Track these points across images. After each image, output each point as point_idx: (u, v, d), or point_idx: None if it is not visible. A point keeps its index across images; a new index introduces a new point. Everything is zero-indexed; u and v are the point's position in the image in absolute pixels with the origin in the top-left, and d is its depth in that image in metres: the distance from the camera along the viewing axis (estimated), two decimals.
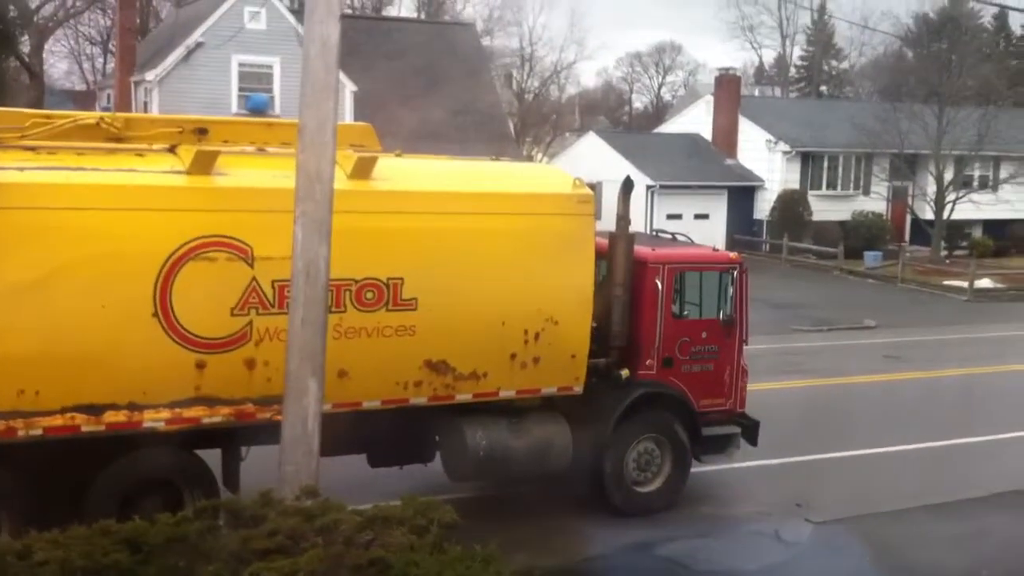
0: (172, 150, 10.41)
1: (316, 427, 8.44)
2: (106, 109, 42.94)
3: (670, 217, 36.52)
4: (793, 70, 67.18)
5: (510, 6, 56.67)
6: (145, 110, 35.91)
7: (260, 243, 9.94)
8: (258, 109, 34.88)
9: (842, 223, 41.10)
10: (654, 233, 13.63)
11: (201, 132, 10.75)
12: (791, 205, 40.96)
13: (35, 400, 9.26)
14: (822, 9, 63.05)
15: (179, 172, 9.97)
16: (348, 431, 10.82)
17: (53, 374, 9.32)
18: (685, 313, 12.49)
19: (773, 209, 41.24)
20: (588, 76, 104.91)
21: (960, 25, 45.98)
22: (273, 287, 10.03)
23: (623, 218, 12.13)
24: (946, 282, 35.50)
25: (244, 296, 9.95)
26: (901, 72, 47.70)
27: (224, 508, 7.36)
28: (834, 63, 67.50)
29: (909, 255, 39.14)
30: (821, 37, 66.06)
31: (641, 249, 12.26)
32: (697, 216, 39.20)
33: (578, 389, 11.63)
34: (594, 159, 39.46)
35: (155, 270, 9.67)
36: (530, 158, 45.66)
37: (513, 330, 11.19)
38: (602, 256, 11.87)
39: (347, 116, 33.62)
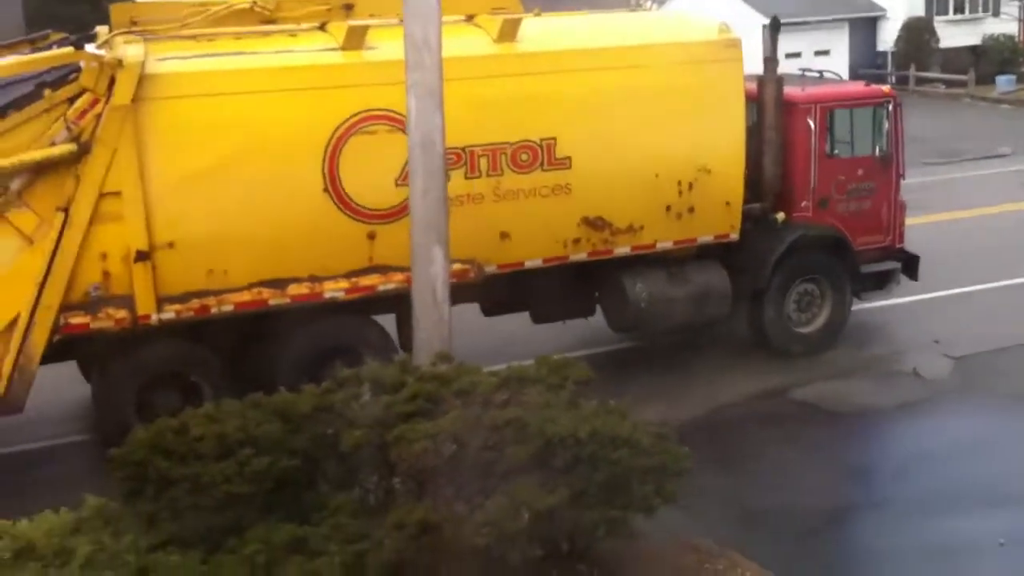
0: (323, 28, 10.59)
1: (446, 295, 8.54)
2: None
3: (788, 56, 35.19)
4: None
5: None
6: None
7: None
8: None
9: (972, 48, 39.20)
10: (801, 72, 13.31)
11: (348, 8, 10.87)
12: (917, 33, 39.16)
13: (224, 278, 9.78)
14: None
15: (333, 49, 10.16)
16: (512, 290, 11.24)
17: (237, 253, 9.80)
18: (839, 152, 12.30)
19: (898, 39, 39.50)
20: None
21: None
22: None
23: (771, 59, 11.94)
24: None
25: (406, 167, 10.11)
26: None
27: (366, 376, 7.52)
28: None
29: None
30: None
31: (791, 90, 12.07)
32: (817, 53, 37.77)
33: (734, 236, 11.71)
34: (708, 1, 38.28)
35: (321, 147, 9.98)
36: (638, 6, 44.56)
37: (667, 182, 11.28)
38: (752, 100, 11.74)
39: None
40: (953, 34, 39.90)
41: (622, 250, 11.29)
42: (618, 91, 11.00)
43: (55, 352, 9.58)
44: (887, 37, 40.24)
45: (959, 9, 40.76)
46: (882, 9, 40.58)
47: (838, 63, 37.78)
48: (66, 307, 9.30)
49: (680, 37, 11.75)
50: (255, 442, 6.92)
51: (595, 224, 11.07)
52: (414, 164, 8.53)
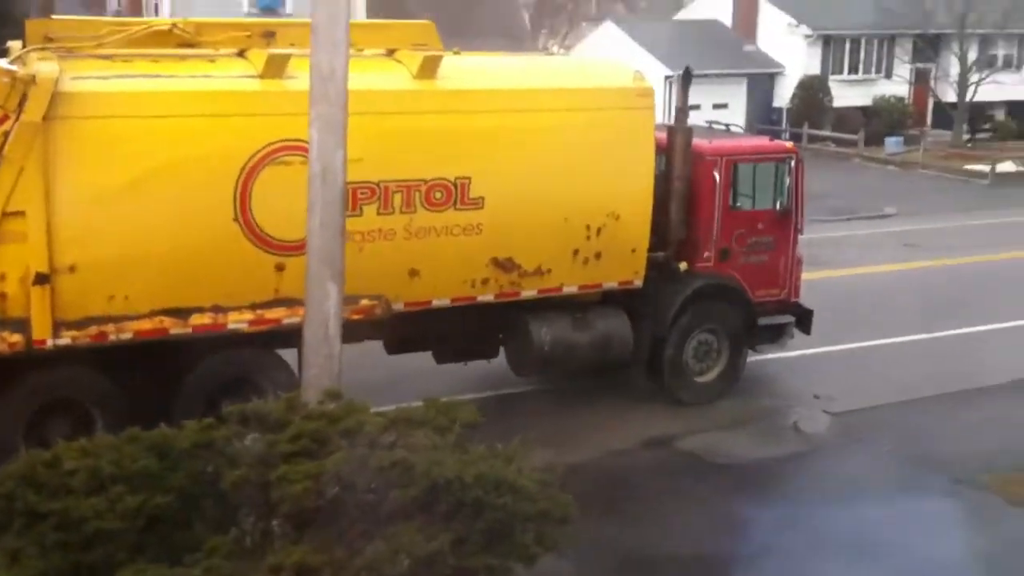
0: (242, 54, 10.50)
1: (337, 331, 8.50)
2: (117, 13, 42.43)
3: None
4: None
5: None
6: (156, 13, 35.55)
7: None
8: (269, 8, 34.56)
9: (863, 108, 40.75)
10: (708, 124, 13.69)
11: (269, 35, 10.83)
12: (812, 91, 40.57)
13: (125, 304, 9.59)
14: None
15: (252, 76, 10.10)
16: (417, 328, 11.23)
17: (140, 279, 9.62)
18: (741, 204, 12.66)
19: (793, 96, 40.86)
20: None
21: None
22: (346, 188, 10.22)
23: (682, 110, 12.25)
24: (968, 166, 35.30)
25: None
26: None
27: (249, 413, 7.39)
28: None
29: (931, 140, 38.94)
30: None
31: (699, 141, 12.40)
32: (716, 106, 38.78)
33: (638, 283, 11.93)
34: (611, 49, 38.91)
35: (234, 175, 9.89)
36: (546, 50, 45.17)
37: (576, 226, 11.43)
38: (661, 150, 11.99)
39: (359, 13, 33.17)
40: (846, 94, 41.44)
41: (529, 293, 11.39)
42: (533, 133, 11.12)
43: None
44: (784, 93, 41.60)
45: (853, 69, 42.36)
46: (780, 66, 41.97)
47: (735, 117, 38.83)
48: None
49: (595, 83, 11.93)
50: (129, 478, 6.73)
51: (504, 265, 11.15)
52: (313, 196, 8.48)
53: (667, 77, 37.58)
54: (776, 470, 11.29)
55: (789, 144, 13.52)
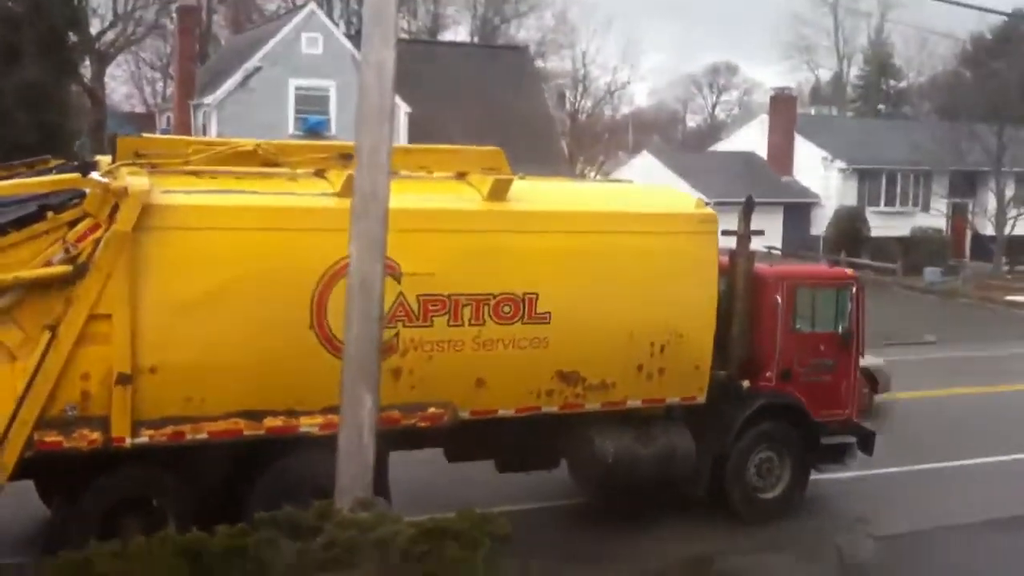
0: (320, 174, 10.93)
1: (371, 440, 8.59)
2: (165, 132, 43.78)
3: (725, 233, 36.41)
4: (850, 89, 67.25)
5: (563, 31, 57.01)
6: (204, 133, 36.66)
7: (406, 260, 10.37)
8: (315, 130, 35.62)
9: (901, 239, 41.12)
10: (768, 250, 13.98)
11: (346, 157, 11.18)
12: (848, 221, 41.06)
13: (201, 406, 9.80)
14: (880, 30, 63.29)
15: (330, 195, 10.46)
16: (480, 437, 11.37)
17: (217, 382, 9.84)
18: (802, 327, 12.81)
19: (829, 225, 41.36)
20: (641, 96, 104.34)
21: (1018, 44, 45.95)
22: (418, 301, 10.57)
23: (744, 236, 12.53)
24: (1008, 297, 35.45)
25: (392, 309, 10.37)
26: (960, 92, 47.59)
27: (282, 520, 7.46)
28: (892, 82, 67.51)
29: (970, 271, 39.11)
30: (879, 56, 66.09)
31: (760, 266, 12.69)
32: (752, 233, 39.32)
33: (701, 399, 12.01)
34: (648, 178, 39.67)
35: (311, 286, 10.16)
36: (583, 177, 46.08)
37: (640, 342, 11.60)
38: (723, 273, 12.25)
39: (402, 138, 34.14)
40: (884, 225, 41.87)
41: (592, 405, 11.50)
42: (599, 254, 11.41)
43: (22, 469, 9.41)
44: (820, 223, 42.06)
45: (890, 202, 42.91)
46: (816, 196, 42.57)
47: (772, 244, 39.21)
48: (41, 424, 9.22)
49: (661, 208, 12.40)
50: None
51: (569, 378, 11.29)
52: (350, 308, 8.69)
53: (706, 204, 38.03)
54: None
55: (849, 271, 13.81)
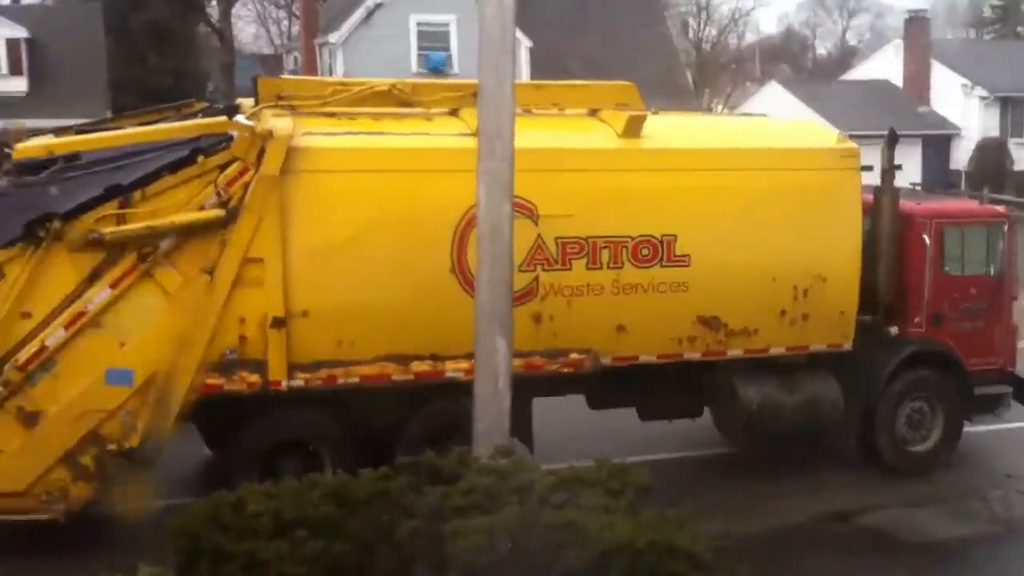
0: (454, 113, 10.81)
1: (507, 386, 8.54)
2: (293, 72, 44.28)
3: (863, 169, 35.32)
4: (988, 10, 63.93)
5: None
6: (330, 72, 36.92)
7: (543, 201, 10.27)
8: (437, 67, 35.52)
9: None
10: (912, 187, 13.32)
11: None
12: (991, 154, 39.22)
13: (351, 350, 9.91)
14: None
15: (466, 135, 10.29)
16: (622, 384, 11.18)
17: (365, 326, 9.94)
18: (952, 270, 12.20)
19: (971, 159, 39.60)
20: (768, 22, 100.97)
21: None
22: (556, 244, 10.43)
23: (888, 171, 11.96)
24: None
25: (530, 253, 10.31)
26: None
27: (423, 465, 7.53)
28: None
29: None
30: None
31: (907, 203, 12.08)
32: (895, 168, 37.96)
33: (847, 346, 11.60)
34: (778, 110, 38.52)
35: (451, 229, 10.10)
36: (710, 110, 45.04)
37: (783, 287, 11.24)
38: (866, 211, 11.71)
39: (523, 74, 33.74)
40: None
41: (735, 352, 11.24)
42: (738, 193, 11.04)
43: (186, 412, 9.68)
44: (961, 156, 40.32)
45: None
46: (955, 127, 40.77)
47: (910, 179, 37.76)
48: (203, 367, 9.46)
49: (799, 143, 11.86)
50: (310, 523, 6.91)
51: (710, 323, 11.04)
52: (482, 252, 8.65)
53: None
54: (970, 552, 10.60)
55: (1001, 208, 13.03)
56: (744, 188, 11.07)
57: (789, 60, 66.75)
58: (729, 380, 11.43)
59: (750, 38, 62.31)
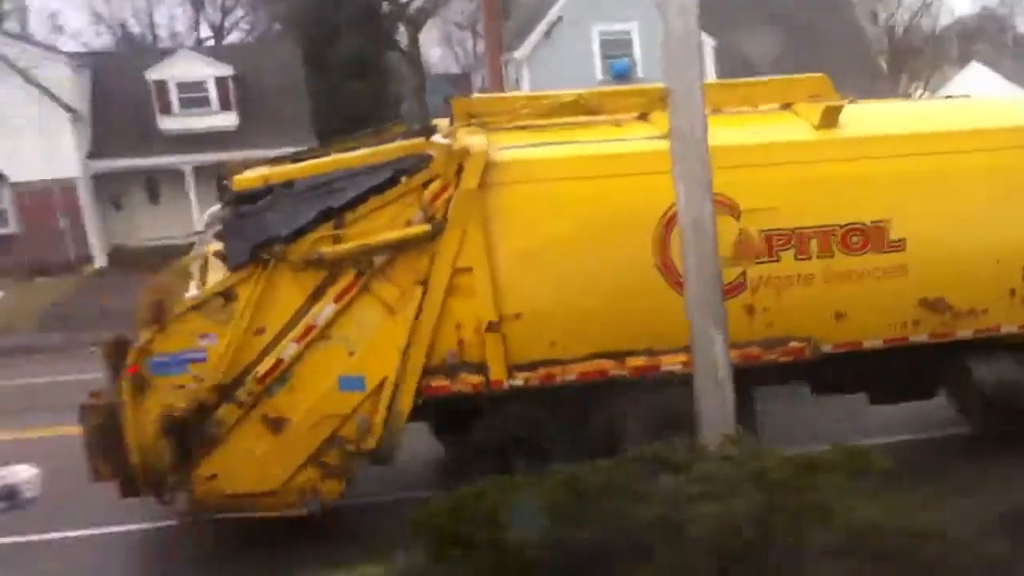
0: (643, 117, 11.02)
1: (727, 376, 8.56)
2: (482, 90, 45.16)
3: None
4: None
5: None
6: (517, 87, 37.45)
7: (743, 196, 10.31)
8: (622, 75, 35.50)
9: None
10: None
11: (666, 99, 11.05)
12: None
13: (565, 349, 10.19)
14: None
15: (658, 137, 10.37)
16: (845, 370, 11.08)
17: (575, 325, 10.19)
18: None
19: None
20: (962, 4, 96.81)
21: None
22: (761, 236, 10.45)
23: None
24: None
25: (735, 247, 10.33)
26: None
27: (652, 455, 7.62)
28: None
29: None
30: None
31: None
32: None
33: None
34: (982, 90, 36.86)
35: (651, 228, 10.25)
36: (908, 95, 43.28)
37: (1009, 267, 10.96)
38: None
39: (709, 73, 33.34)
40: None
41: (964, 333, 10.97)
42: (947, 176, 10.85)
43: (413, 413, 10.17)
44: None
45: None
46: None
47: None
48: (427, 371, 9.96)
49: (1006, 122, 11.53)
50: (549, 512, 7.09)
51: (934, 306, 10.82)
52: (686, 247, 8.71)
53: None
54: None
55: None
56: (952, 171, 10.87)
57: (987, 40, 63.53)
58: (962, 360, 11.16)
59: (944, 21, 59.70)
